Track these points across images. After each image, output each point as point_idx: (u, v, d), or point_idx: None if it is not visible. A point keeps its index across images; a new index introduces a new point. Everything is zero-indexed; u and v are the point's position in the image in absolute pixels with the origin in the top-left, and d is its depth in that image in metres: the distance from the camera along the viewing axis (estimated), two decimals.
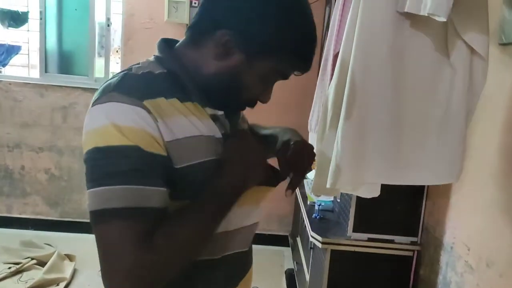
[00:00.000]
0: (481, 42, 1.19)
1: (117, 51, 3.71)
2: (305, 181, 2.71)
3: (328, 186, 1.33)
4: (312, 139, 1.91)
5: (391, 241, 2.02)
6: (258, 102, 0.90)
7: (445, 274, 1.78)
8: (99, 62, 3.59)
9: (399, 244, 2.02)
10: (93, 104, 0.76)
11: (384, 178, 1.34)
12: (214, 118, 0.85)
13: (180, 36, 0.92)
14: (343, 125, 1.29)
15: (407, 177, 1.33)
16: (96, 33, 3.54)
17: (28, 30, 3.60)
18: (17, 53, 3.59)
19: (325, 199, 2.48)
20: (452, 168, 1.30)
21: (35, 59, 3.58)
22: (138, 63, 0.84)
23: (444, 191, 1.82)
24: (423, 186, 1.98)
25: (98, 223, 0.71)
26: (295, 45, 0.82)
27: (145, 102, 0.74)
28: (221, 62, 0.82)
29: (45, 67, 3.52)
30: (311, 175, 2.79)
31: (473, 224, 1.59)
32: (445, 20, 1.11)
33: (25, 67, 3.72)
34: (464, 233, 1.65)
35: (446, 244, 1.79)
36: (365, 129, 1.29)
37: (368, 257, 2.04)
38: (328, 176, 1.32)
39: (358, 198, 2.00)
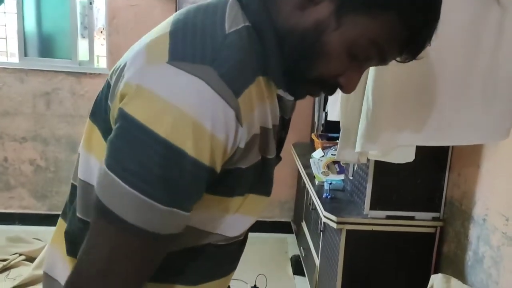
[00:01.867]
0: None
1: (101, 32, 3.48)
2: (311, 160, 2.54)
3: (358, 149, 1.16)
4: (334, 100, 1.71)
5: (412, 218, 1.88)
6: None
7: (476, 249, 1.63)
8: (82, 44, 3.35)
9: (420, 221, 1.88)
10: (173, 62, 0.54)
11: (423, 140, 1.17)
12: (279, 98, 0.65)
13: (168, 12, 0.71)
14: (374, 80, 1.12)
15: (449, 137, 1.17)
16: (78, 12, 3.30)
17: (4, 12, 3.35)
18: None
19: (335, 178, 2.32)
20: (501, 124, 1.14)
21: (13, 44, 3.34)
22: (225, 11, 0.60)
23: (472, 159, 1.67)
24: (446, 157, 1.82)
25: (110, 226, 0.54)
26: (414, 10, 0.58)
27: (241, 98, 0.55)
28: (304, 13, 0.59)
29: (24, 51, 3.28)
30: (316, 154, 2.63)
31: (511, 191, 1.44)
32: None
33: (3, 52, 3.47)
34: (500, 203, 1.50)
35: (476, 217, 1.64)
36: (399, 83, 1.12)
37: (387, 236, 1.90)
38: (358, 137, 1.15)
39: (375, 173, 1.84)
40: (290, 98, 0.65)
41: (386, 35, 0.59)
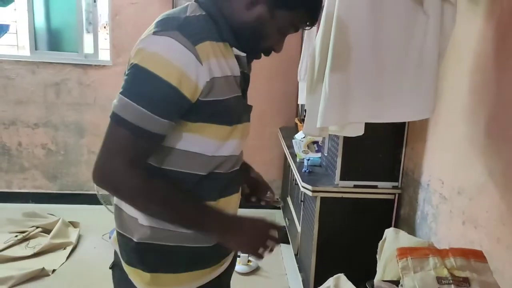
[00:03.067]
0: None
1: (104, 27, 3.79)
2: (293, 141, 2.89)
3: (318, 125, 1.50)
4: (302, 88, 2.07)
5: (375, 187, 2.22)
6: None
7: (422, 209, 1.99)
8: (87, 38, 3.67)
9: (382, 189, 2.23)
10: (156, 33, 0.92)
11: (368, 117, 1.51)
12: (237, 58, 1.02)
13: (165, 9, 1.10)
14: (330, 70, 1.46)
15: (388, 115, 1.51)
16: (83, 9, 3.61)
17: (15, 9, 3.64)
18: (5, 32, 3.65)
19: (314, 155, 2.66)
20: (427, 104, 1.48)
21: (24, 38, 3.63)
22: (187, 7, 1.00)
23: (421, 136, 2.02)
24: (402, 134, 2.17)
25: (112, 121, 0.92)
26: (310, 1, 1.00)
27: (197, 47, 0.91)
28: (248, 12, 0.98)
29: (35, 45, 3.58)
30: (299, 135, 2.98)
31: (446, 161, 1.79)
32: None
33: (14, 46, 3.77)
34: (438, 170, 1.86)
35: (423, 183, 2.00)
36: (349, 72, 1.46)
37: (354, 203, 2.24)
38: (318, 115, 1.49)
39: (344, 148, 2.18)
40: (243, 54, 1.02)
41: (299, 18, 1.01)
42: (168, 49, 0.90)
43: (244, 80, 1.07)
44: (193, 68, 0.90)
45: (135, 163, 0.92)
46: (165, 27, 0.93)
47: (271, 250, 1.05)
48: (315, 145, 2.80)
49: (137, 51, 0.93)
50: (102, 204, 3.08)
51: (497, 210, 1.42)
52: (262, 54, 1.07)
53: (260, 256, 1.04)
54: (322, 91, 1.49)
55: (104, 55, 3.68)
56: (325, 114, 1.48)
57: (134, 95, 0.90)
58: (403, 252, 1.44)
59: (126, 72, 0.95)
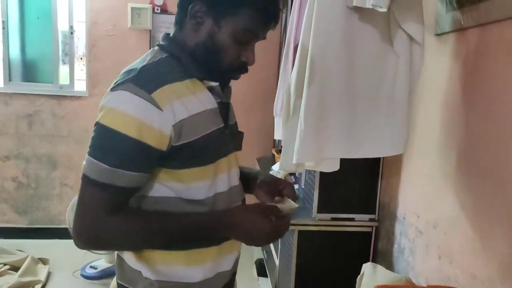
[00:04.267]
0: (417, 30, 1.41)
1: (81, 58, 3.77)
2: (270, 172, 2.89)
3: (294, 161, 1.50)
4: (278, 123, 2.09)
5: (352, 219, 2.23)
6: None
7: (399, 242, 2.00)
8: (63, 69, 3.63)
9: (359, 222, 2.23)
10: (113, 88, 0.92)
11: (342, 153, 1.53)
12: (211, 89, 1.02)
13: (143, 41, 1.11)
14: (305, 107, 1.48)
15: (362, 151, 1.53)
16: (60, 41, 3.59)
17: None
18: None
19: None
20: (400, 140, 1.51)
21: None
22: (147, 55, 1.00)
23: (395, 169, 2.05)
24: (378, 167, 2.20)
25: (83, 182, 0.92)
26: (253, 1, 0.95)
27: (154, 94, 0.90)
28: (198, 32, 0.98)
29: (9, 76, 3.53)
30: (276, 166, 2.98)
31: (420, 194, 1.82)
32: (385, 10, 1.31)
33: None
34: (413, 203, 1.88)
35: (399, 216, 2.01)
36: (324, 109, 1.48)
37: (332, 235, 2.24)
38: (294, 152, 1.50)
39: (321, 181, 2.19)
40: (215, 84, 1.01)
41: (250, 21, 0.96)
42: (124, 103, 0.89)
43: (224, 109, 1.06)
44: (153, 117, 0.89)
45: (113, 212, 0.91)
46: (121, 81, 0.92)
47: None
48: (292, 176, 2.81)
49: (100, 109, 0.93)
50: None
51: (471, 244, 1.43)
52: (238, 73, 1.04)
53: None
54: (298, 127, 1.50)
55: (80, 86, 3.64)
56: (301, 151, 1.49)
57: (98, 153, 0.90)
58: None
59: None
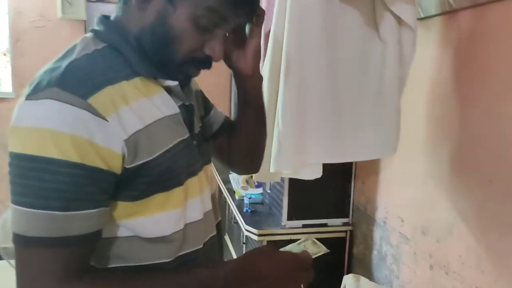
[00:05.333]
0: (408, 11, 1.22)
1: (5, 54, 3.30)
2: (230, 176, 2.64)
3: (272, 170, 1.27)
4: None
5: (325, 225, 2.05)
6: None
7: (380, 249, 1.83)
8: None
9: (332, 227, 2.05)
10: (29, 97, 0.64)
11: (326, 157, 1.32)
12: (168, 90, 0.75)
13: (77, 34, 0.80)
14: (282, 106, 1.25)
15: (349, 154, 1.32)
16: None
17: None
18: None
19: (254, 192, 2.43)
20: (390, 140, 1.33)
21: None
22: (76, 45, 0.72)
23: (372, 169, 1.88)
24: (350, 168, 2.02)
25: (18, 246, 0.63)
26: None
27: (91, 100, 0.64)
28: (145, 13, 0.71)
29: None
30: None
31: (405, 197, 1.65)
32: None
33: None
34: (396, 206, 1.71)
35: (378, 220, 1.84)
36: (304, 108, 1.26)
37: None
38: (272, 159, 1.26)
39: (290, 186, 1.99)
40: (173, 83, 0.75)
41: (218, 1, 0.69)
42: (50, 117, 0.62)
43: (187, 114, 0.80)
44: (94, 129, 0.63)
45: (72, 277, 0.64)
46: (40, 86, 0.64)
47: None
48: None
49: (11, 132, 0.64)
50: (3, 259, 2.59)
51: (473, 255, 1.28)
52: (198, 69, 0.78)
53: None
54: (275, 131, 1.27)
55: (6, 87, 3.18)
56: (280, 157, 1.26)
57: (30, 197, 0.62)
58: None
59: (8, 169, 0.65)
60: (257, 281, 0.70)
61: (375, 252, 1.88)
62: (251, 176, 2.58)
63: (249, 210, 2.24)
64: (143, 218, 0.72)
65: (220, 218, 0.93)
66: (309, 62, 1.24)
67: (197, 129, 0.85)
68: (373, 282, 1.64)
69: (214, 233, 0.87)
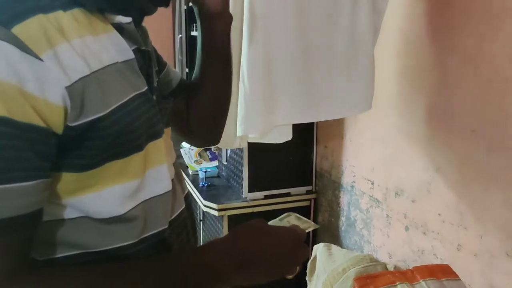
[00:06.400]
0: None
1: None
2: (181, 150, 2.46)
3: (239, 133, 1.12)
4: None
5: (288, 194, 1.95)
6: None
7: (348, 215, 1.76)
8: None
9: (295, 196, 1.96)
10: None
11: (297, 117, 1.19)
12: (120, 29, 0.59)
13: None
14: (247, 64, 1.09)
15: (320, 113, 1.20)
16: None
17: None
18: None
19: (209, 165, 2.28)
20: (365, 95, 1.22)
21: None
22: None
23: (335, 131, 1.78)
24: (312, 132, 1.92)
25: None
26: None
27: (16, 30, 0.47)
28: None
29: None
30: (186, 144, 2.55)
31: (374, 158, 1.57)
32: None
33: None
34: (364, 169, 1.63)
35: (345, 185, 1.76)
36: (272, 64, 1.11)
37: (267, 215, 1.89)
38: (238, 121, 1.11)
39: (249, 156, 1.86)
40: (126, 20, 0.61)
41: None
42: None
43: (145, 62, 0.64)
44: (24, 71, 0.46)
45: (7, 277, 0.47)
46: None
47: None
48: (208, 152, 2.41)
49: None
50: None
51: (455, 212, 1.22)
52: (155, 5, 0.63)
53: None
54: (240, 90, 1.11)
55: None
56: (247, 119, 1.11)
57: None
58: (364, 284, 1.15)
59: None
60: (253, 264, 0.56)
61: (343, 219, 1.80)
62: (204, 149, 2.42)
63: (205, 185, 2.09)
64: (93, 194, 0.55)
65: (187, 190, 0.77)
66: (275, 13, 1.08)
67: (155, 82, 0.67)
68: (345, 249, 1.56)
69: (183, 206, 0.72)
